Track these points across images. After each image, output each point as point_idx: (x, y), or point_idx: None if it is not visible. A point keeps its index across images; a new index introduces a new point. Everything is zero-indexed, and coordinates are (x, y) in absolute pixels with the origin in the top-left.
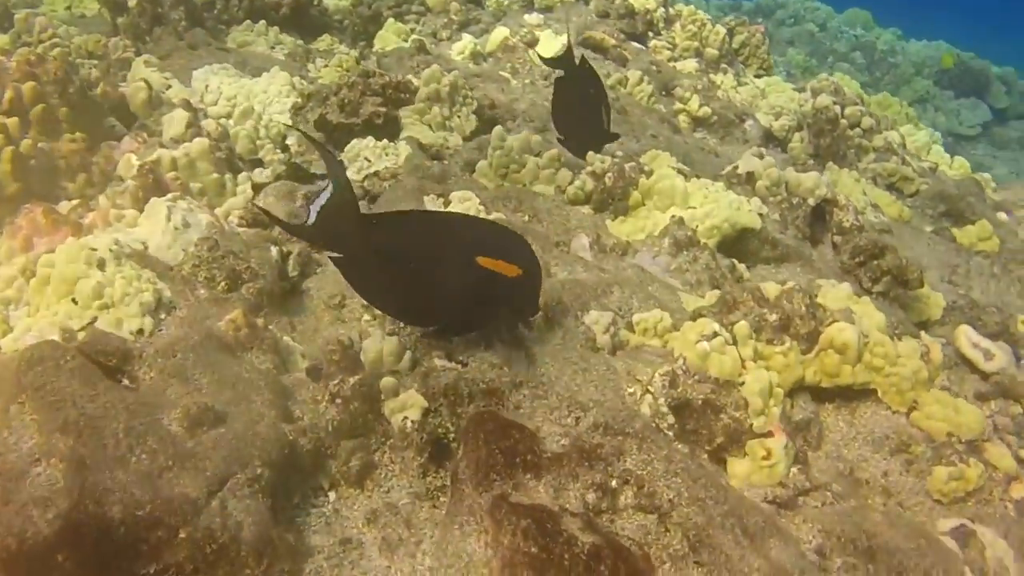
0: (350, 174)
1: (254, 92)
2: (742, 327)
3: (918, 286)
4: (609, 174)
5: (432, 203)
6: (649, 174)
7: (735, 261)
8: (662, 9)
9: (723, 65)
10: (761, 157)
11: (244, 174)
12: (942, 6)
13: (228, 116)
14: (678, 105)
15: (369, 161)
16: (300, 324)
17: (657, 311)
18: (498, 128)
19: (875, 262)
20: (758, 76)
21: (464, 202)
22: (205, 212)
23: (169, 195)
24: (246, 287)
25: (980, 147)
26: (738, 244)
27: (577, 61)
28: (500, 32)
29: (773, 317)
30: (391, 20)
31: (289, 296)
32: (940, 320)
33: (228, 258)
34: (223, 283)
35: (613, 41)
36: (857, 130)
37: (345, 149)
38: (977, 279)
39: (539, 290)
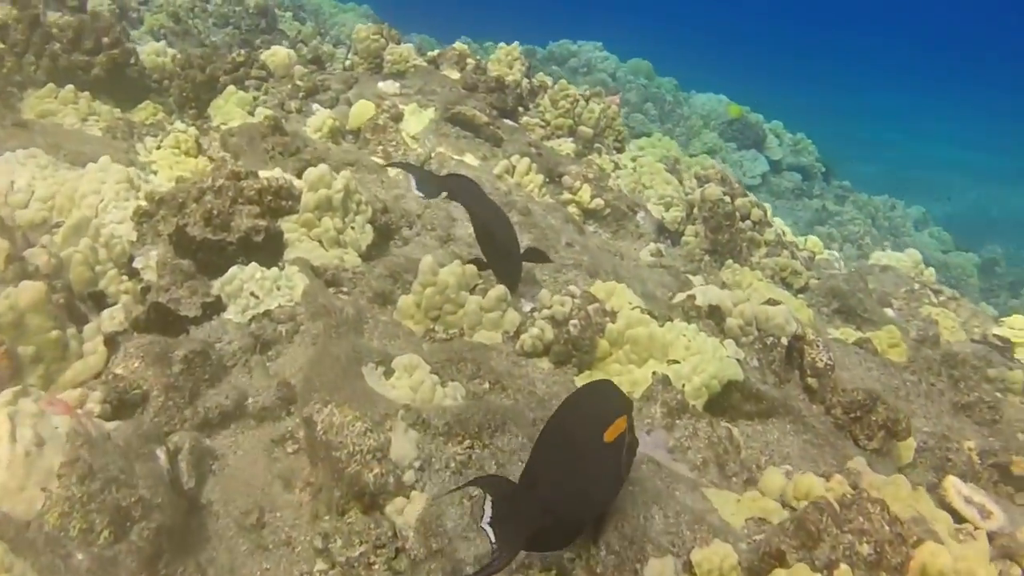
0: (231, 314)
1: (81, 192)
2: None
3: (906, 436)
4: (574, 321)
5: (372, 373)
6: (613, 315)
7: (731, 428)
8: (526, 80)
9: (596, 144)
10: (660, 254)
11: (91, 325)
12: (711, 59)
13: (45, 223)
14: (567, 195)
15: (257, 298)
16: (210, 564)
17: (717, 544)
18: (428, 260)
19: (870, 417)
20: (618, 150)
21: (413, 371)
22: (60, 409)
23: (6, 391)
24: (138, 529)
25: (760, 197)
26: (719, 399)
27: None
28: (364, 108)
29: (866, 549)
30: (231, 88)
31: (189, 516)
32: (912, 463)
33: (109, 489)
34: (106, 531)
35: (485, 118)
36: (748, 222)
37: (221, 281)
38: (917, 401)
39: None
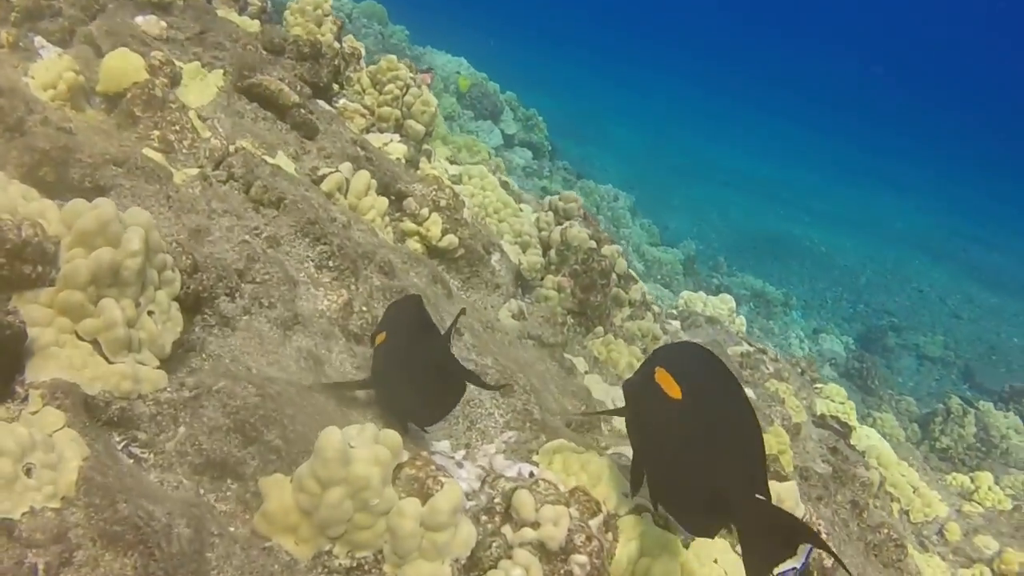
0: None
1: None
2: None
3: None
4: (580, 558)
5: None
6: (613, 526)
7: None
8: (337, 44)
9: (425, 146)
10: (523, 315)
11: None
12: (446, 17)
13: None
14: (409, 224)
15: None
16: None
17: None
18: (335, 437)
19: None
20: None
21: None
22: None
23: None
24: None
25: None
26: None
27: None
28: (126, 62)
29: None
30: None
31: None
32: None
33: None
34: None
35: (296, 98)
36: (613, 276)
37: None
38: (846, 552)
39: None
